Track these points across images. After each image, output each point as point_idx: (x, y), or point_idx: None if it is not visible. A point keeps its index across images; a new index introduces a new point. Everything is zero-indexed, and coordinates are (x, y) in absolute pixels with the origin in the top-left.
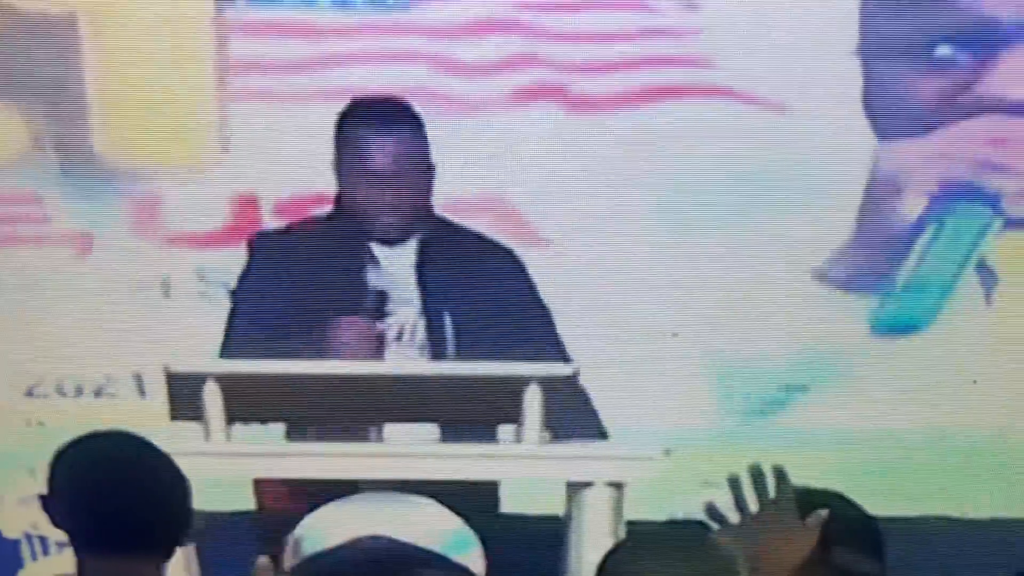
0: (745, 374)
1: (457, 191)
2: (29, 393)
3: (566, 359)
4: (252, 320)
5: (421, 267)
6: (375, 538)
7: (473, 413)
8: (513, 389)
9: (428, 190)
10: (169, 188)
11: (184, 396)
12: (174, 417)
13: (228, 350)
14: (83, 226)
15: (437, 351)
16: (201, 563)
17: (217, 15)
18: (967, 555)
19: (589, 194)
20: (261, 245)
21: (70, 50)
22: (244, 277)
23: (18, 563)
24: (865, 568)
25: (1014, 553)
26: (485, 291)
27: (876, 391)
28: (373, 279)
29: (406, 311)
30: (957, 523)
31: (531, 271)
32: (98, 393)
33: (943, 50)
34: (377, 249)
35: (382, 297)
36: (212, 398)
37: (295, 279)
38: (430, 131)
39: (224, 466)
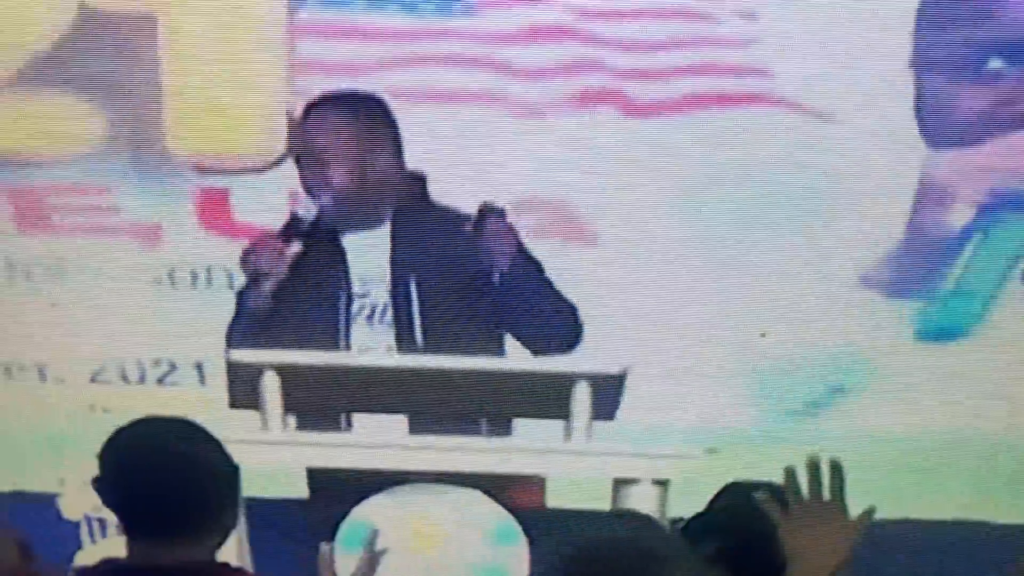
0: (789, 376)
1: (516, 192)
2: (93, 379)
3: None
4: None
5: (394, 248)
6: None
7: (519, 409)
8: (560, 385)
9: (391, 172)
10: (236, 183)
11: (243, 385)
12: (233, 405)
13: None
14: (152, 218)
15: (403, 332)
16: (253, 550)
17: (289, 16)
18: (1009, 560)
19: (641, 196)
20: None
21: (147, 49)
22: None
23: (77, 544)
24: None
25: None
26: (455, 268)
27: (918, 395)
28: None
29: (377, 292)
30: (999, 529)
31: (581, 270)
32: (160, 381)
33: (994, 63)
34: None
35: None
36: (271, 388)
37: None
38: (492, 133)
39: (280, 455)
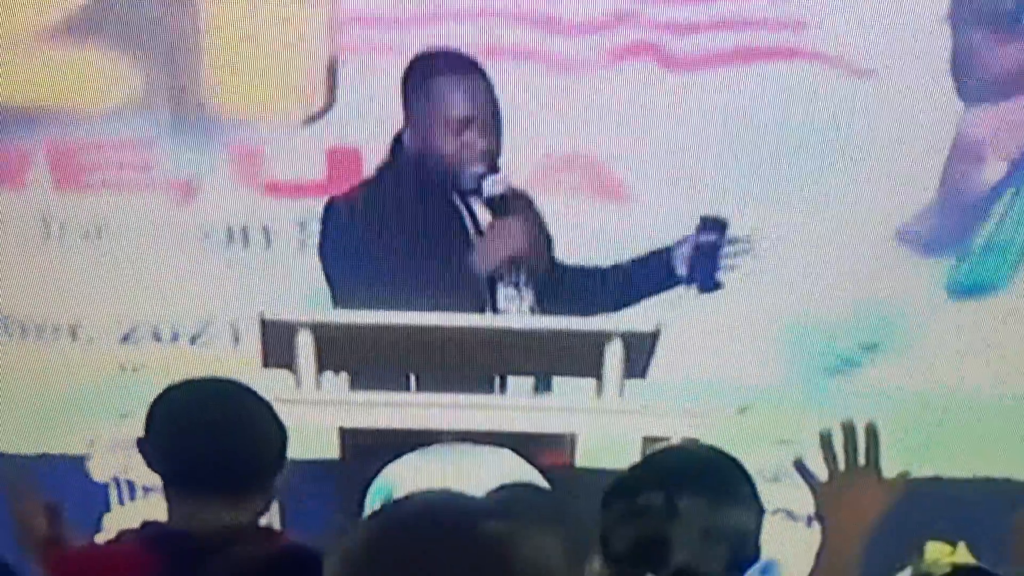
0: (820, 333)
1: (553, 146)
2: (125, 339)
3: None
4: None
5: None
6: (438, 492)
7: (552, 366)
8: (593, 344)
9: (499, 139)
10: (273, 138)
11: (277, 344)
12: (266, 364)
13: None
14: (187, 174)
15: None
16: (282, 510)
17: None
18: None
19: (676, 151)
20: (332, 212)
21: (187, 3)
22: (323, 244)
23: (105, 506)
24: None
25: None
26: None
27: (950, 351)
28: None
29: None
30: None
31: (616, 225)
32: (194, 340)
33: None
34: (458, 199)
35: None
36: (305, 346)
37: (380, 236)
38: (530, 88)
39: (312, 414)
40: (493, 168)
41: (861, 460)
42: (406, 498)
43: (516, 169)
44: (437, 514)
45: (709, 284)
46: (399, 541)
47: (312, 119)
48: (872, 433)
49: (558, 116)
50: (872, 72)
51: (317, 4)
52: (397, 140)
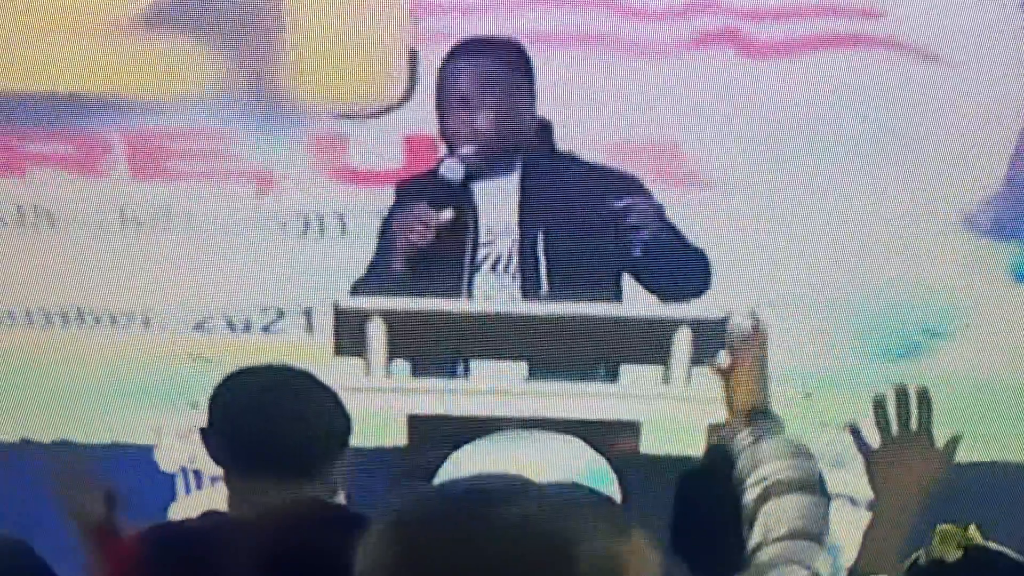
0: (887, 319)
1: (630, 133)
2: (197, 327)
3: None
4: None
5: (522, 197)
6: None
7: (621, 354)
8: (661, 330)
9: (527, 120)
10: (352, 127)
11: (350, 332)
12: (338, 352)
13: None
14: (265, 163)
15: (528, 281)
16: (349, 498)
17: None
18: None
19: (751, 138)
20: (399, 191)
21: None
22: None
23: (172, 496)
24: None
25: None
26: (583, 219)
27: (1017, 338)
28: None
29: (504, 241)
30: None
31: (690, 213)
32: (267, 329)
33: None
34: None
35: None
36: (376, 334)
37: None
38: (607, 74)
39: (381, 401)
40: (489, 147)
41: (913, 425)
42: (444, 484)
43: (592, 156)
44: (475, 494)
45: None
46: (446, 518)
47: (391, 108)
48: (925, 398)
49: (633, 103)
50: (944, 59)
51: None
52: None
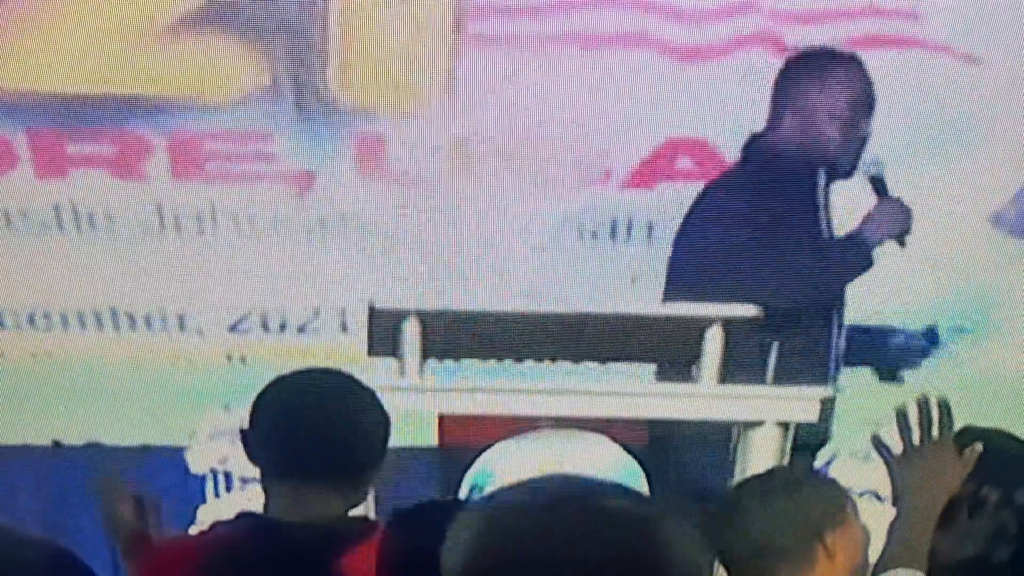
0: (915, 315)
1: (668, 133)
2: (232, 328)
3: None
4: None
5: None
6: (550, 477)
7: (652, 352)
8: (693, 329)
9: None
10: (393, 129)
11: (383, 332)
12: (371, 353)
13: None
14: (306, 164)
15: None
16: (377, 499)
17: None
18: None
19: None
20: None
21: None
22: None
23: (202, 498)
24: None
25: None
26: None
27: None
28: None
29: None
30: None
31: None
32: (302, 329)
33: None
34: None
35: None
36: (411, 334)
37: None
38: (649, 77)
39: (415, 402)
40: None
41: (935, 434)
42: (516, 486)
43: (636, 154)
44: (556, 497)
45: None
46: (536, 518)
47: (433, 110)
48: (945, 408)
49: (674, 103)
50: (977, 59)
51: None
52: (755, 138)
